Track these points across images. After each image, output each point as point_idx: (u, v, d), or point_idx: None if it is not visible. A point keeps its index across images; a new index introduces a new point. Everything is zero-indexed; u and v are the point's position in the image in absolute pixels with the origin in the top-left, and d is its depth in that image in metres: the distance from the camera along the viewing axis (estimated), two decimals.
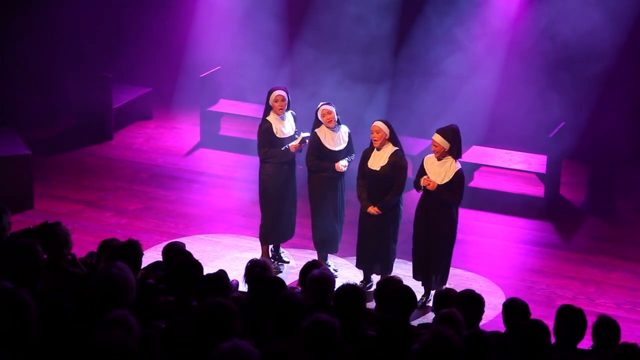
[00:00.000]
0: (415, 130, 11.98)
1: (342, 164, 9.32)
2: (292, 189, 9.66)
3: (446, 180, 8.84)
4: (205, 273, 6.46)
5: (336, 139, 9.37)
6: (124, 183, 11.90)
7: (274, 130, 9.47)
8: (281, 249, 9.93)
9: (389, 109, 12.46)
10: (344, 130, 9.42)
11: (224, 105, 13.15)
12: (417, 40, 12.42)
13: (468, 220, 10.98)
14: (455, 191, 8.84)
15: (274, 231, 9.69)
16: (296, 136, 9.49)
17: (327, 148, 9.35)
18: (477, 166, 11.79)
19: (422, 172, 8.97)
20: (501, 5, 12.27)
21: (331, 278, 6.42)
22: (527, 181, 11.94)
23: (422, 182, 8.85)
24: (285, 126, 9.53)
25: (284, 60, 13.13)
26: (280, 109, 9.44)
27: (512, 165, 11.62)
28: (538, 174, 11.55)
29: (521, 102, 12.32)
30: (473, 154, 11.80)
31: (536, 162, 11.57)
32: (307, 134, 9.43)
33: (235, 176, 11.97)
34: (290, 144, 9.45)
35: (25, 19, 13.26)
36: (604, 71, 11.82)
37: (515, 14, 12.33)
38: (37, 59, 13.53)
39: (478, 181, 11.90)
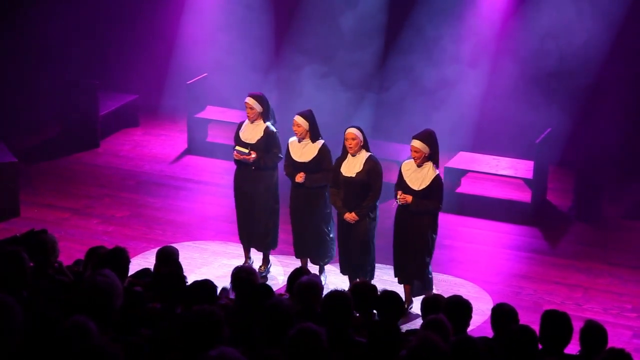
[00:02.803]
0: (403, 136, 11.97)
1: (299, 176, 9.26)
2: (260, 195, 9.59)
3: (423, 186, 8.79)
4: (192, 280, 6.47)
5: (303, 150, 9.32)
6: (110, 190, 11.87)
7: (240, 131, 9.59)
8: (252, 257, 9.92)
9: (377, 115, 12.47)
10: (317, 145, 9.30)
11: (210, 112, 13.14)
12: (406, 47, 12.44)
13: (455, 226, 11.00)
14: (434, 197, 8.80)
15: (239, 230, 9.80)
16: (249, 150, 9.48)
17: (291, 157, 9.37)
18: (464, 172, 11.81)
19: (400, 179, 8.95)
20: (490, 12, 12.31)
21: (319, 285, 6.42)
22: (514, 187, 11.97)
23: (399, 199, 8.82)
24: (250, 132, 9.53)
25: (270, 66, 13.13)
26: (248, 115, 9.51)
27: (499, 171, 11.64)
28: (525, 180, 11.57)
29: (508, 109, 12.35)
30: (460, 160, 11.82)
31: (523, 168, 11.60)
32: (245, 150, 9.39)
33: (222, 183, 11.95)
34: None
35: (10, 27, 13.23)
36: (592, 78, 11.88)
37: (504, 22, 12.37)
38: (23, 66, 13.50)
39: (465, 187, 11.91)
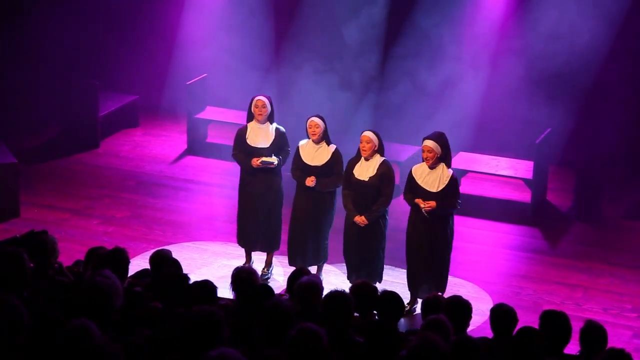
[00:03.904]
0: (403, 136, 11.99)
1: (309, 179, 9.17)
2: (271, 197, 9.51)
3: (441, 187, 8.76)
4: (192, 281, 6.47)
5: (316, 154, 9.24)
6: (110, 191, 11.87)
7: (247, 137, 9.46)
8: (253, 258, 9.87)
9: (377, 115, 12.47)
10: (330, 148, 9.23)
11: (210, 113, 13.14)
12: (405, 47, 12.43)
13: (455, 226, 10.95)
14: (453, 196, 8.78)
15: (238, 234, 9.73)
16: (272, 155, 9.37)
17: (303, 161, 9.27)
18: (464, 172, 11.80)
19: (412, 184, 8.85)
20: (490, 11, 12.31)
21: (319, 285, 6.41)
22: (514, 187, 11.97)
23: (423, 208, 8.68)
24: (261, 137, 9.43)
25: (271, 67, 13.13)
26: (260, 115, 9.38)
27: (499, 172, 11.65)
28: (525, 180, 11.58)
29: (508, 109, 12.35)
30: (460, 160, 11.82)
31: (523, 168, 11.61)
32: (272, 159, 9.31)
33: (222, 183, 11.96)
34: (255, 158, 9.38)
35: (10, 27, 13.23)
36: (592, 78, 11.88)
37: (505, 21, 12.37)
38: (23, 66, 13.49)
39: (465, 187, 11.90)
